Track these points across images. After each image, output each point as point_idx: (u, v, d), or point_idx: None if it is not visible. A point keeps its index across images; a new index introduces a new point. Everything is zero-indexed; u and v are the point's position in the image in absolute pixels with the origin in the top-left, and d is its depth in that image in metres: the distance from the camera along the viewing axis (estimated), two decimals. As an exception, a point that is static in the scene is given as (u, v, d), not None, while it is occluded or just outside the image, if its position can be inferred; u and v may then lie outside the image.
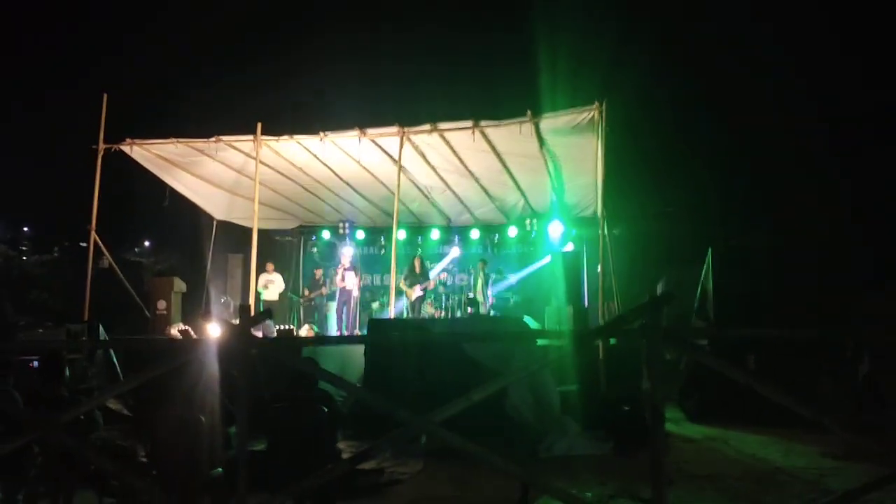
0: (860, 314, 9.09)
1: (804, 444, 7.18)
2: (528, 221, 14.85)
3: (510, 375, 6.27)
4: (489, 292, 14.34)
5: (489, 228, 15.82)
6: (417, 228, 15.94)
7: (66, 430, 4.02)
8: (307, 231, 16.80)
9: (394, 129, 10.38)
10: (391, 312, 11.54)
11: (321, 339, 13.39)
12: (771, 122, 17.62)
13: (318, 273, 14.89)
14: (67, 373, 4.98)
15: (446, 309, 14.64)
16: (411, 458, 6.80)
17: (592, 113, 9.31)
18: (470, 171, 11.97)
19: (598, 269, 10.17)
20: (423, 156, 11.33)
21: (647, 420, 3.71)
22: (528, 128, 9.71)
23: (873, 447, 3.93)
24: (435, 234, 16.00)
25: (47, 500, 4.65)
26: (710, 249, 10.20)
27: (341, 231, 16.07)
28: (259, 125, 10.96)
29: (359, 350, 8.90)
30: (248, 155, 11.64)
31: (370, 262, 16.45)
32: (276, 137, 11.06)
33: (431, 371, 7.65)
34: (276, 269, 14.33)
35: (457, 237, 15.86)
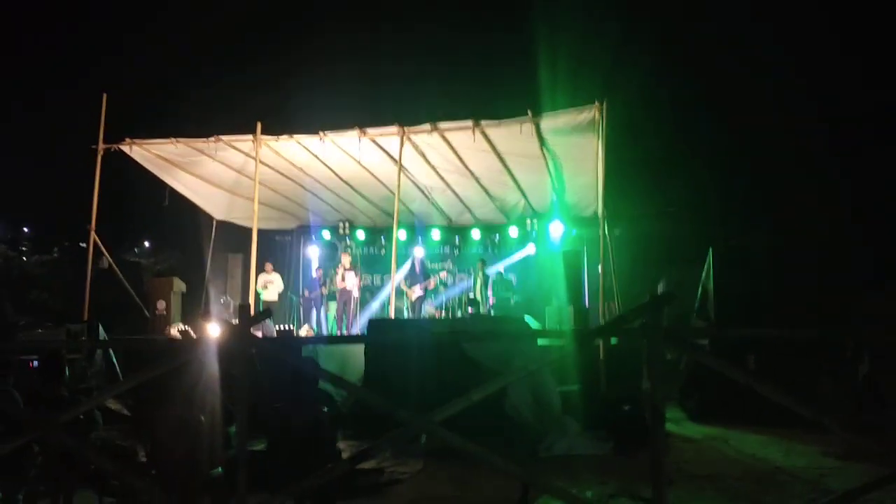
0: (860, 314, 9.10)
1: (804, 444, 7.17)
2: (528, 221, 14.86)
3: (510, 375, 6.26)
4: (488, 292, 14.36)
5: (489, 228, 15.82)
6: (417, 228, 15.93)
7: (65, 429, 4.02)
8: (307, 231, 16.81)
9: (394, 128, 10.38)
10: (391, 312, 11.54)
11: (321, 339, 13.40)
12: (771, 122, 17.62)
13: (319, 273, 14.91)
14: (67, 373, 4.97)
15: (446, 309, 14.65)
16: (411, 457, 6.80)
17: (593, 113, 9.31)
18: (470, 171, 11.97)
19: (599, 269, 10.17)
20: (424, 155, 11.32)
21: (647, 420, 3.71)
22: (528, 127, 9.71)
23: (873, 447, 3.93)
24: (435, 234, 16.01)
25: (47, 499, 4.65)
26: (710, 249, 10.20)
27: (341, 231, 16.08)
28: (259, 125, 10.96)
29: (359, 350, 8.90)
30: (247, 155, 11.63)
31: (370, 262, 16.45)
32: (275, 137, 11.05)
33: (431, 371, 7.65)
34: (276, 270, 14.33)
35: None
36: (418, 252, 14.60)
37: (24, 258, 21.54)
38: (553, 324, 10.78)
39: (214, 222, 14.91)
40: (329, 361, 8.47)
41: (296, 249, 16.91)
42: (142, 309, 12.70)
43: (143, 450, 5.94)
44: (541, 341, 6.99)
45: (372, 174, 12.25)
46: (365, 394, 5.50)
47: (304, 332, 13.26)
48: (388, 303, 11.82)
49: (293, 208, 15.18)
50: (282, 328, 12.65)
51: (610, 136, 9.56)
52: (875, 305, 9.17)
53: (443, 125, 10.17)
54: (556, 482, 4.18)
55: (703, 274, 10.26)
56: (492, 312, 13.85)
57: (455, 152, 10.99)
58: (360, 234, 16.27)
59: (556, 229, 14.04)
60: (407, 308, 13.70)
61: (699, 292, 10.35)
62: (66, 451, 4.37)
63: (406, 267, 14.45)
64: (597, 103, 9.25)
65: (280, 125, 11.24)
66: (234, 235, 15.07)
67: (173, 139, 11.30)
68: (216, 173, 12.66)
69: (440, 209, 14.84)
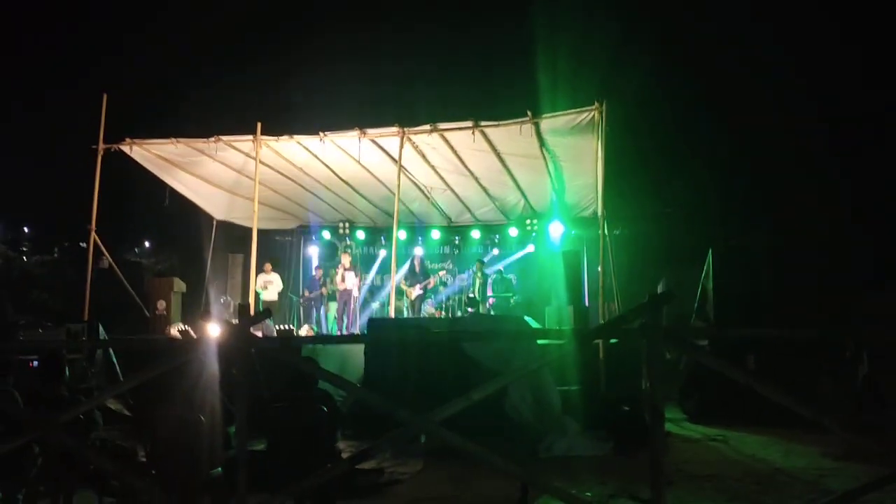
0: (860, 314, 9.09)
1: (804, 444, 7.17)
2: (528, 221, 14.86)
3: (510, 375, 6.26)
4: (488, 292, 14.36)
5: (489, 228, 15.83)
6: (417, 228, 15.94)
7: (65, 429, 4.02)
8: (307, 231, 16.81)
9: (394, 129, 10.38)
10: (391, 312, 11.55)
11: (321, 339, 13.40)
12: (771, 122, 17.61)
13: (318, 273, 14.91)
14: (67, 373, 4.97)
15: (446, 309, 14.66)
16: (411, 457, 6.80)
17: (592, 113, 9.32)
18: (470, 171, 11.97)
19: (599, 269, 10.18)
20: (424, 156, 11.33)
21: (646, 420, 3.71)
22: (528, 128, 9.72)
23: (873, 447, 3.92)
24: (435, 234, 16.01)
25: (47, 500, 4.64)
26: (710, 249, 10.20)
27: (341, 231, 16.08)
28: (259, 125, 10.97)
29: (359, 350, 8.90)
30: (247, 155, 11.63)
31: (370, 262, 16.45)
32: (275, 137, 11.06)
33: (431, 371, 7.65)
34: (275, 269, 14.33)
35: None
36: (418, 252, 14.60)
37: (25, 258, 21.55)
38: (553, 324, 10.78)
39: (214, 222, 14.91)
40: (329, 361, 8.47)
41: (296, 249, 16.91)
42: (142, 309, 12.69)
43: (143, 450, 5.94)
44: (540, 341, 7.00)
45: (372, 174, 12.26)
46: (365, 394, 5.49)
47: (304, 332, 13.26)
48: (388, 303, 11.83)
49: (293, 208, 15.18)
50: (282, 328, 12.65)
51: (609, 137, 9.56)
52: (875, 305, 9.16)
53: (442, 125, 10.18)
54: (556, 482, 4.18)
55: (703, 274, 10.25)
56: (492, 312, 13.85)
57: (455, 152, 11.00)
58: (360, 234, 16.28)
59: (556, 229, 14.04)
60: (407, 308, 13.71)
61: (699, 292, 10.34)
62: (66, 451, 4.37)
63: (405, 267, 14.47)
64: (596, 104, 9.26)
65: (280, 125, 11.29)
66: (235, 235, 15.07)
67: (173, 139, 11.31)
68: (216, 173, 12.66)
69: (440, 209, 14.84)
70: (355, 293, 13.90)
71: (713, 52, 19.57)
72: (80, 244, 16.62)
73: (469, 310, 13.46)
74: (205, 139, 11.25)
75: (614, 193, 11.37)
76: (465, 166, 11.65)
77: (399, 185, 11.17)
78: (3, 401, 4.46)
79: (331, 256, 16.23)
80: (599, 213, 10.16)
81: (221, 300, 14.46)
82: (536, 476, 4.70)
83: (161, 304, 12.38)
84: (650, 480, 3.51)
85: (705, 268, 10.20)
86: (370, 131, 10.53)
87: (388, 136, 10.56)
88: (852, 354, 8.48)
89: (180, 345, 7.74)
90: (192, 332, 11.19)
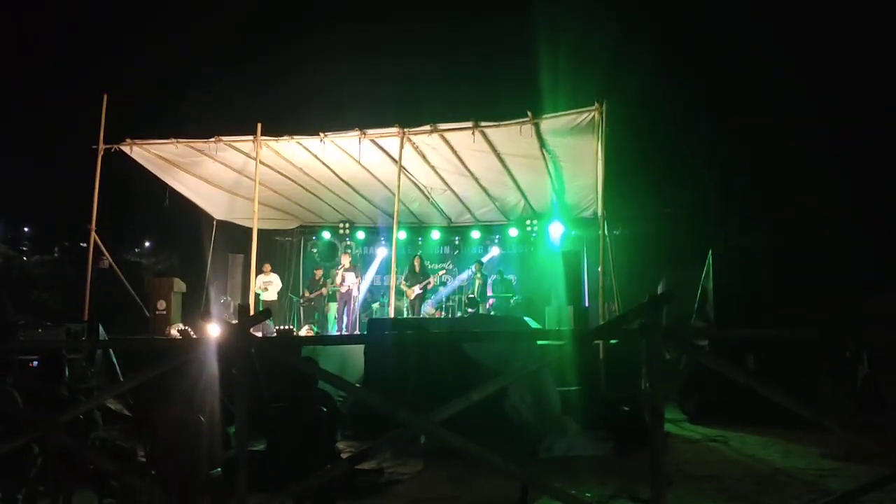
0: (860, 314, 9.09)
1: (804, 444, 7.17)
2: (528, 222, 14.86)
3: (510, 376, 6.26)
4: (487, 293, 14.36)
5: (490, 229, 15.82)
6: (417, 228, 15.94)
7: (65, 429, 4.02)
8: (307, 231, 16.80)
9: (394, 129, 10.38)
10: (391, 312, 11.54)
11: (321, 339, 13.39)
12: (771, 122, 17.62)
13: (318, 273, 14.91)
14: (67, 373, 4.97)
15: (446, 309, 14.65)
16: (411, 458, 6.80)
17: (593, 114, 9.31)
18: (470, 172, 11.97)
19: (599, 270, 10.18)
20: (424, 156, 11.33)
21: (646, 420, 3.71)
22: (528, 128, 9.71)
23: (873, 447, 3.92)
24: (435, 235, 16.00)
25: (47, 500, 4.65)
26: (710, 250, 10.19)
27: (341, 231, 16.08)
28: (259, 125, 10.97)
29: (359, 350, 8.90)
30: (247, 155, 11.64)
31: (370, 263, 16.45)
32: (275, 138, 11.06)
33: (431, 371, 7.65)
34: (274, 270, 14.33)
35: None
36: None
37: (25, 258, 21.58)
38: (553, 324, 10.77)
39: (215, 222, 14.90)
40: (329, 361, 8.47)
41: (296, 249, 16.92)
42: (142, 309, 12.69)
43: (143, 450, 5.94)
44: (540, 342, 7.00)
45: (372, 174, 12.26)
46: (365, 394, 5.50)
47: (304, 332, 13.25)
48: (388, 303, 11.83)
49: (293, 208, 15.18)
50: (281, 328, 12.64)
51: (610, 137, 9.56)
52: (875, 305, 9.17)
53: (443, 126, 10.17)
54: (556, 482, 4.17)
55: (703, 274, 10.25)
56: (492, 313, 13.85)
57: (455, 153, 11.00)
58: (360, 235, 16.27)
59: (556, 230, 14.03)
60: (407, 308, 13.71)
61: (699, 292, 10.34)
62: (66, 451, 4.37)
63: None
64: (596, 104, 9.25)
65: (280, 126, 11.28)
66: (235, 235, 15.07)
67: (174, 139, 11.31)
68: (216, 174, 12.66)
69: (440, 209, 14.84)
70: (355, 293, 13.90)
71: (713, 53, 19.59)
72: (81, 244, 16.63)
73: (469, 310, 13.46)
74: (205, 139, 11.25)
75: (614, 193, 11.37)
76: (466, 167, 11.64)
77: (399, 186, 11.16)
78: (3, 401, 4.47)
79: (331, 257, 16.22)
80: (599, 213, 10.16)
81: (221, 300, 14.45)
82: (536, 476, 4.69)
83: (161, 304, 12.38)
84: (650, 481, 3.51)
85: (705, 268, 10.20)
86: (370, 131, 10.53)
87: (388, 137, 10.56)
88: (852, 354, 8.47)
89: (180, 345, 7.74)
90: (192, 333, 11.19)
